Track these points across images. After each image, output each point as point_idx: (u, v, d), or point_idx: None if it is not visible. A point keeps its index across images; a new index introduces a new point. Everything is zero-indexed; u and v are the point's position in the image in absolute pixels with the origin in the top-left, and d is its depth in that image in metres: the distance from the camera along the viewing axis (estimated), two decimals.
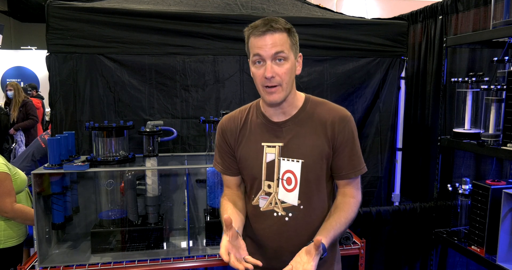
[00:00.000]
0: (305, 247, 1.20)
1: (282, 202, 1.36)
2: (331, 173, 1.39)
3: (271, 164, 1.35)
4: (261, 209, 1.38)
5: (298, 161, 1.33)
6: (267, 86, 1.26)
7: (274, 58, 1.24)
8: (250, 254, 1.35)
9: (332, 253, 1.43)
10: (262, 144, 1.36)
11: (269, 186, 1.37)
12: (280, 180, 1.35)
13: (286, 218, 1.35)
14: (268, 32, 1.23)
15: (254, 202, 1.41)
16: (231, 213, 1.34)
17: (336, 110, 1.36)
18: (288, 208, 1.35)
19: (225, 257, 1.15)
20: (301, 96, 1.39)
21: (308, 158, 1.32)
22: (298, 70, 1.33)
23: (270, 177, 1.36)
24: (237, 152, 1.41)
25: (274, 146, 1.35)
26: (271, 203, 1.37)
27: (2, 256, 2.09)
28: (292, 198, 1.35)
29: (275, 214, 1.37)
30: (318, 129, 1.33)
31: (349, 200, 1.36)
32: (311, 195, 1.35)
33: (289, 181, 1.35)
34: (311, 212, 1.36)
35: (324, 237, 1.22)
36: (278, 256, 1.37)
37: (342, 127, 1.33)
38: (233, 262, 1.15)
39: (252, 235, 1.44)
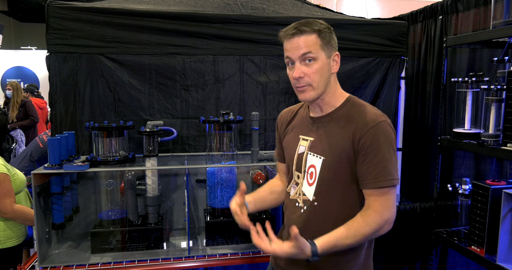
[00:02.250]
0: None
1: (304, 194, 1.40)
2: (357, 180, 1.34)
3: (300, 156, 1.42)
4: (290, 197, 1.46)
5: (320, 158, 1.35)
6: (297, 86, 1.32)
7: (302, 59, 1.28)
8: (286, 238, 1.42)
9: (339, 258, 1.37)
10: (300, 136, 1.44)
11: (298, 177, 1.44)
12: (305, 172, 1.40)
13: (302, 210, 1.39)
14: (295, 35, 1.28)
15: (288, 189, 1.49)
16: (258, 190, 1.55)
17: (367, 113, 1.31)
18: (306, 201, 1.39)
19: (233, 206, 1.38)
20: (342, 96, 1.40)
21: (329, 157, 1.33)
22: (335, 68, 1.35)
23: (298, 168, 1.43)
24: (283, 142, 1.53)
25: (307, 140, 1.41)
26: (296, 193, 1.44)
27: (1, 257, 2.09)
28: (309, 192, 1.38)
29: (297, 204, 1.42)
30: (346, 129, 1.32)
31: (367, 213, 1.27)
32: (326, 195, 1.34)
33: (311, 175, 1.38)
34: (324, 211, 1.35)
35: (319, 241, 1.21)
36: None
37: (366, 131, 1.27)
38: (242, 217, 1.35)
39: (285, 221, 1.53)
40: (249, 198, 1.49)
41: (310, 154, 1.38)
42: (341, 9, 6.17)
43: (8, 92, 5.64)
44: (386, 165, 1.27)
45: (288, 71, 1.34)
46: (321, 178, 1.34)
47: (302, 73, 1.28)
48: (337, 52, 1.35)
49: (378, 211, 1.28)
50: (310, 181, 1.38)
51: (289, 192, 1.47)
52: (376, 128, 1.28)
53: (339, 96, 1.39)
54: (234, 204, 1.39)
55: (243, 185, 1.40)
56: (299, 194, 1.42)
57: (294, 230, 1.15)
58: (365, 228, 1.25)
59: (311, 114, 1.43)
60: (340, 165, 1.32)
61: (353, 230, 1.24)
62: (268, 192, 1.58)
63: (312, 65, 1.28)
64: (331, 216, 1.34)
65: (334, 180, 1.33)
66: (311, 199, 1.36)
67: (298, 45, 1.27)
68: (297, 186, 1.44)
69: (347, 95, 1.41)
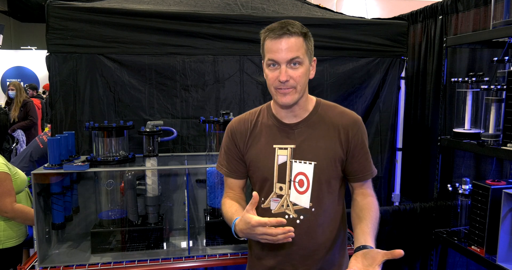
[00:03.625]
0: (362, 252, 1.14)
1: (294, 204, 1.34)
2: (344, 176, 1.40)
3: (283, 166, 1.35)
4: (273, 211, 1.37)
5: (310, 163, 1.33)
6: (280, 88, 1.26)
7: (289, 62, 1.24)
8: (259, 258, 1.41)
9: (345, 259, 1.46)
10: (274, 146, 1.36)
11: (280, 188, 1.36)
12: (292, 182, 1.34)
13: (298, 221, 1.34)
14: (284, 36, 1.22)
15: (264, 205, 1.39)
16: (237, 208, 1.33)
17: (348, 114, 1.39)
18: (300, 211, 1.34)
19: (269, 221, 1.14)
20: (312, 99, 1.41)
21: (321, 161, 1.33)
22: (312, 74, 1.34)
23: (281, 179, 1.35)
24: (247, 155, 1.40)
25: (286, 148, 1.35)
26: (282, 206, 1.36)
27: (1, 257, 2.09)
28: (304, 200, 1.34)
29: (286, 216, 1.35)
30: (331, 132, 1.35)
31: (372, 200, 1.37)
32: (322, 197, 1.34)
33: (301, 183, 1.34)
34: (322, 214, 1.35)
35: (371, 242, 1.20)
36: (289, 260, 1.37)
37: (356, 131, 1.35)
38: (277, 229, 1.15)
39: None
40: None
41: (296, 161, 1.34)
42: (341, 9, 6.18)
43: (11, 93, 5.66)
44: (370, 157, 1.41)
45: (267, 71, 1.28)
46: (316, 183, 1.33)
47: (289, 77, 1.24)
48: (315, 58, 1.34)
49: (374, 196, 1.40)
50: (301, 189, 1.34)
51: (268, 207, 1.37)
52: (362, 125, 1.39)
53: (310, 99, 1.40)
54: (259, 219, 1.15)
55: (256, 196, 1.20)
56: (287, 206, 1.35)
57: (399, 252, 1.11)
58: (377, 212, 1.33)
59: (284, 121, 1.37)
60: (333, 167, 1.34)
61: (375, 219, 1.31)
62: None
63: (298, 69, 1.25)
64: (328, 218, 1.37)
65: (327, 182, 1.35)
66: (307, 207, 1.34)
67: (287, 47, 1.22)
68: (281, 198, 1.36)
69: (314, 97, 1.42)
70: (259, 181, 1.40)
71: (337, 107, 1.41)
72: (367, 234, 1.22)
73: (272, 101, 1.42)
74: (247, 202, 1.39)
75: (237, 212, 1.31)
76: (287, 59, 1.23)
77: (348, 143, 1.35)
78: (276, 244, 1.31)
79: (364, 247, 1.16)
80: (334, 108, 1.40)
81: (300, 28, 1.25)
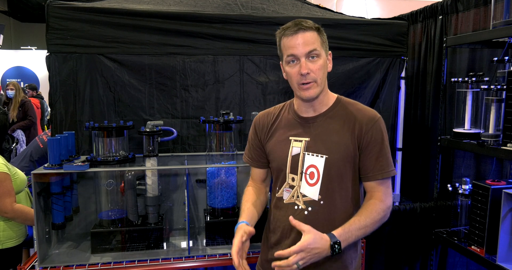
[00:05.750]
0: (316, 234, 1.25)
1: (304, 195, 1.38)
2: (359, 175, 1.39)
3: (295, 158, 1.39)
4: (284, 201, 1.43)
5: (322, 157, 1.36)
6: (302, 84, 1.31)
7: (307, 56, 1.30)
8: (270, 248, 1.47)
9: (351, 258, 1.44)
10: (290, 138, 1.42)
11: (292, 179, 1.41)
12: (303, 174, 1.38)
13: (306, 212, 1.37)
14: (299, 31, 1.29)
15: (278, 194, 1.46)
16: (248, 208, 1.44)
17: (365, 110, 1.40)
18: (309, 202, 1.37)
19: (235, 260, 1.26)
20: (333, 96, 1.44)
21: (332, 155, 1.35)
22: (329, 67, 1.38)
23: (294, 170, 1.40)
24: (267, 145, 1.48)
25: (301, 141, 1.40)
26: (293, 196, 1.41)
27: (1, 257, 2.09)
28: (313, 192, 1.37)
29: (296, 207, 1.40)
30: (345, 127, 1.37)
31: (374, 202, 1.35)
32: (333, 192, 1.36)
33: (312, 175, 1.37)
34: (331, 210, 1.36)
35: (336, 230, 1.26)
36: None
37: (370, 127, 1.35)
38: (240, 266, 1.26)
39: (274, 227, 1.47)
40: (245, 219, 1.40)
41: (308, 154, 1.38)
42: (341, 9, 6.18)
43: (11, 92, 5.66)
44: (388, 157, 1.37)
45: (288, 69, 1.34)
46: (326, 176, 1.35)
47: (309, 69, 1.29)
48: (330, 51, 1.39)
49: (382, 200, 1.35)
50: (311, 181, 1.37)
51: (281, 197, 1.44)
52: (379, 123, 1.37)
53: (330, 95, 1.43)
54: (234, 252, 1.28)
55: (251, 230, 1.33)
56: (298, 197, 1.40)
57: (303, 226, 1.24)
58: (375, 215, 1.31)
59: (303, 115, 1.42)
60: (344, 162, 1.35)
61: (364, 219, 1.30)
62: (260, 207, 1.50)
63: (316, 62, 1.31)
64: (338, 213, 1.37)
65: (338, 177, 1.36)
66: (316, 199, 1.36)
67: (303, 41, 1.28)
68: (293, 189, 1.41)
69: (335, 95, 1.45)
70: (275, 171, 1.48)
71: (357, 104, 1.43)
72: (341, 226, 1.28)
73: (294, 97, 1.48)
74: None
75: (246, 212, 1.42)
76: (305, 52, 1.29)
77: (361, 139, 1.35)
78: (285, 233, 1.41)
79: (329, 234, 1.25)
80: (354, 104, 1.43)
81: (313, 24, 1.32)
